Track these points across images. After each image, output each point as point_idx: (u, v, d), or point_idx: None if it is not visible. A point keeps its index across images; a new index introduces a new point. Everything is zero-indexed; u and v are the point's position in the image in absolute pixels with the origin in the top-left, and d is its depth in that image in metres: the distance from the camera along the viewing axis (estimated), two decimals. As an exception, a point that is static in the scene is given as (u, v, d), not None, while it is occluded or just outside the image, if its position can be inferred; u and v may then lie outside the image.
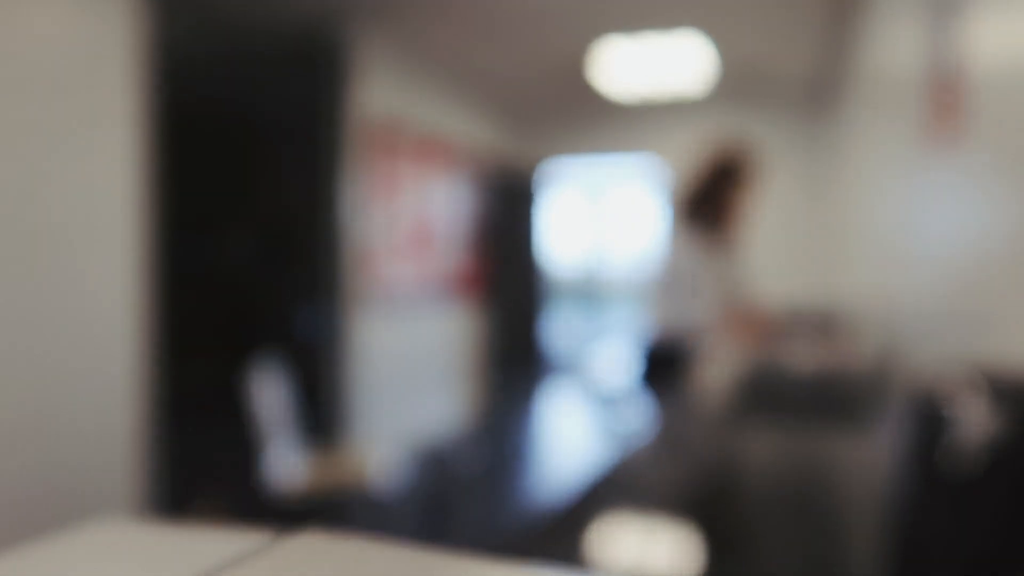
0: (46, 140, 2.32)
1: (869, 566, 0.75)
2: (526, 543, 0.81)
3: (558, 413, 5.87)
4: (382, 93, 4.19)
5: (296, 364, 3.39)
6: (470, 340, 5.54)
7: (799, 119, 5.50)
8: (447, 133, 5.05)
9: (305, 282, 4.01)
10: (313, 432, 3.39)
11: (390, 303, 4.26)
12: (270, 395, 2.72)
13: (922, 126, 1.85)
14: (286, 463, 2.64)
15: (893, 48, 2.48)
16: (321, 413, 3.72)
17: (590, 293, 7.20)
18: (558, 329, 6.96)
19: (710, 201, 2.57)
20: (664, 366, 2.45)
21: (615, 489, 1.06)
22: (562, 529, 0.86)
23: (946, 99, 1.56)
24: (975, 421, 0.52)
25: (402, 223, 4.42)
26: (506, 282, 6.00)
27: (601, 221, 7.09)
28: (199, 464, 3.29)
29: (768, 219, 5.18)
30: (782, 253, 5.38)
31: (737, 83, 5.03)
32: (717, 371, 2.05)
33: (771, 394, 1.86)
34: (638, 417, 2.50)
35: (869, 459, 1.26)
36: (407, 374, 4.55)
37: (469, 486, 3.88)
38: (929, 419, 0.58)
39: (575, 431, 5.19)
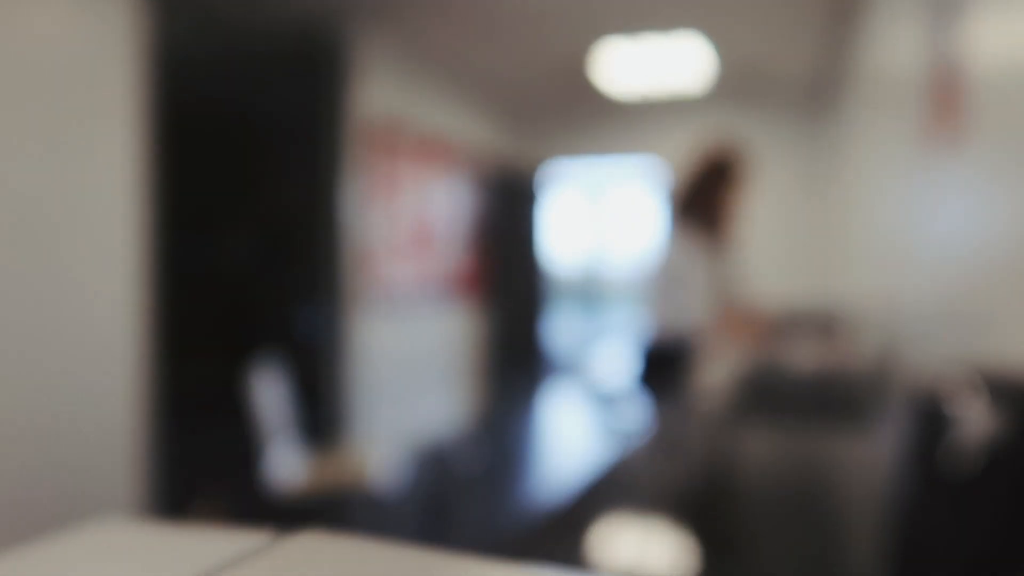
0: (46, 140, 2.32)
1: (869, 566, 0.75)
2: (526, 543, 0.82)
3: (558, 413, 5.87)
4: (382, 93, 4.19)
5: (296, 364, 3.39)
6: (470, 340, 5.54)
7: (799, 119, 5.50)
8: (447, 133, 5.05)
9: (305, 282, 4.01)
10: (313, 432, 3.39)
11: (390, 303, 4.26)
12: (270, 395, 2.72)
13: (922, 126, 1.85)
14: (286, 463, 2.64)
15: (893, 48, 2.48)
16: (321, 413, 3.72)
17: (590, 293, 7.21)
18: (558, 329, 6.96)
19: (703, 200, 2.58)
20: (663, 366, 2.45)
21: (615, 489, 1.06)
22: (562, 529, 0.86)
23: (946, 99, 1.56)
24: (975, 421, 0.52)
25: (402, 223, 4.42)
26: (506, 282, 6.00)
27: (601, 222, 7.10)
28: (199, 464, 3.30)
29: (768, 219, 5.19)
30: (782, 253, 5.38)
31: (737, 83, 5.03)
32: (716, 371, 2.05)
33: (771, 394, 1.86)
34: (638, 417, 2.50)
35: (869, 459, 1.26)
36: (407, 374, 4.55)
37: (469, 486, 3.89)
38: (929, 419, 0.58)
39: (575, 431, 5.19)
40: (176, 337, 3.20)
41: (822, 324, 3.35)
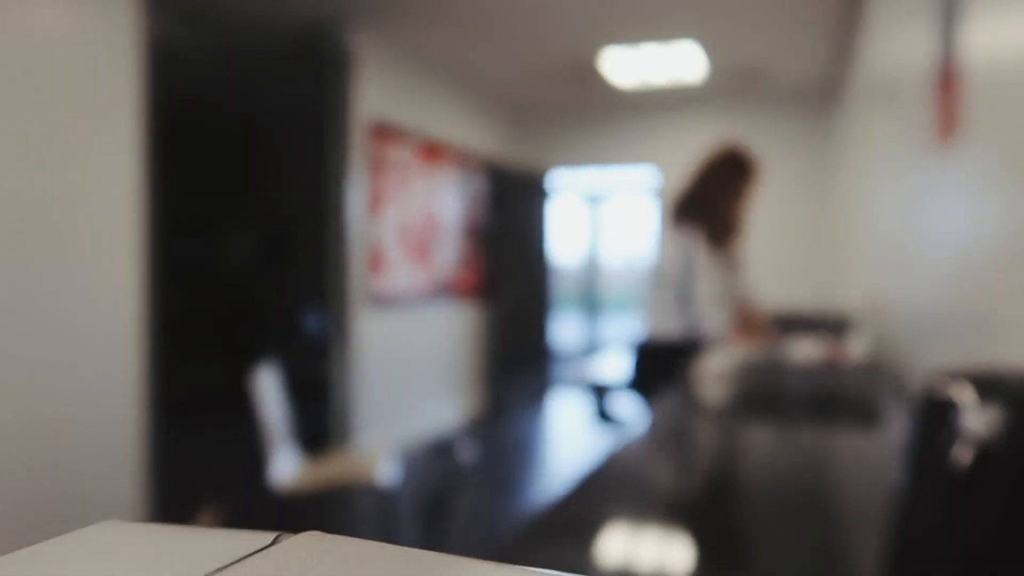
0: (46, 140, 2.32)
1: (869, 565, 0.75)
2: (525, 543, 0.82)
3: (558, 413, 5.87)
4: (383, 94, 4.19)
5: (297, 364, 3.39)
6: (470, 340, 5.54)
7: (801, 121, 5.50)
8: (448, 134, 5.05)
9: (306, 282, 4.02)
10: (315, 432, 3.39)
11: (391, 303, 4.26)
12: (271, 395, 2.71)
13: (922, 126, 1.85)
14: (287, 463, 2.64)
15: (894, 49, 2.48)
16: (322, 413, 3.72)
17: (590, 294, 7.22)
18: (558, 330, 6.97)
19: (707, 202, 2.56)
20: (663, 366, 2.44)
21: (614, 488, 1.06)
22: (561, 529, 0.86)
23: (946, 99, 1.56)
24: (975, 421, 0.52)
25: (403, 224, 4.42)
26: (506, 283, 6.00)
27: (601, 226, 7.12)
28: (199, 464, 3.30)
29: (769, 220, 5.19)
30: (783, 253, 5.38)
31: (739, 85, 5.03)
32: (716, 370, 2.05)
33: (771, 393, 1.86)
34: (637, 417, 2.50)
35: (869, 458, 1.26)
36: (408, 374, 4.55)
37: (469, 486, 3.89)
38: (929, 419, 0.58)
39: (575, 431, 5.19)
40: (176, 337, 3.20)
41: (822, 324, 3.35)
